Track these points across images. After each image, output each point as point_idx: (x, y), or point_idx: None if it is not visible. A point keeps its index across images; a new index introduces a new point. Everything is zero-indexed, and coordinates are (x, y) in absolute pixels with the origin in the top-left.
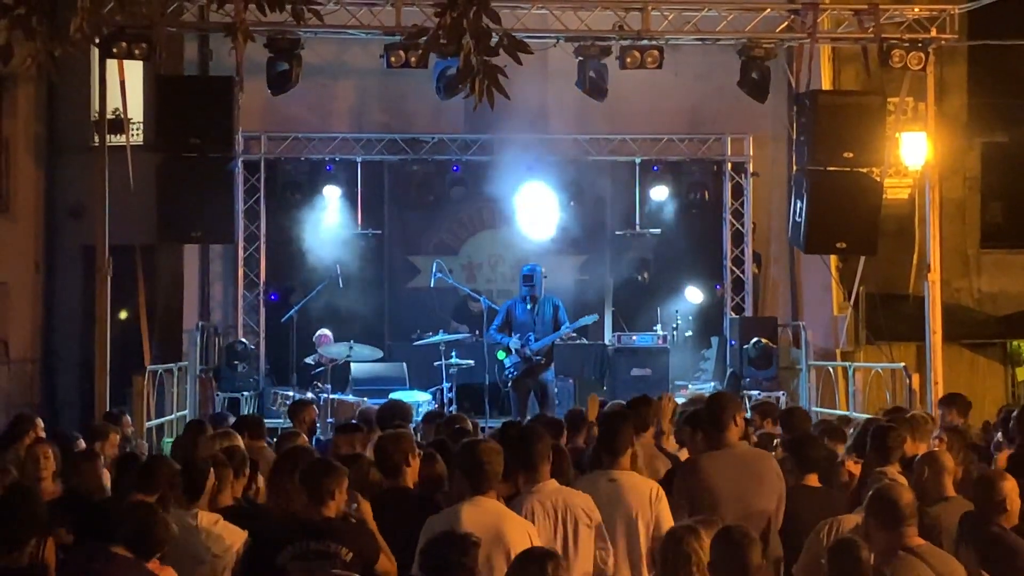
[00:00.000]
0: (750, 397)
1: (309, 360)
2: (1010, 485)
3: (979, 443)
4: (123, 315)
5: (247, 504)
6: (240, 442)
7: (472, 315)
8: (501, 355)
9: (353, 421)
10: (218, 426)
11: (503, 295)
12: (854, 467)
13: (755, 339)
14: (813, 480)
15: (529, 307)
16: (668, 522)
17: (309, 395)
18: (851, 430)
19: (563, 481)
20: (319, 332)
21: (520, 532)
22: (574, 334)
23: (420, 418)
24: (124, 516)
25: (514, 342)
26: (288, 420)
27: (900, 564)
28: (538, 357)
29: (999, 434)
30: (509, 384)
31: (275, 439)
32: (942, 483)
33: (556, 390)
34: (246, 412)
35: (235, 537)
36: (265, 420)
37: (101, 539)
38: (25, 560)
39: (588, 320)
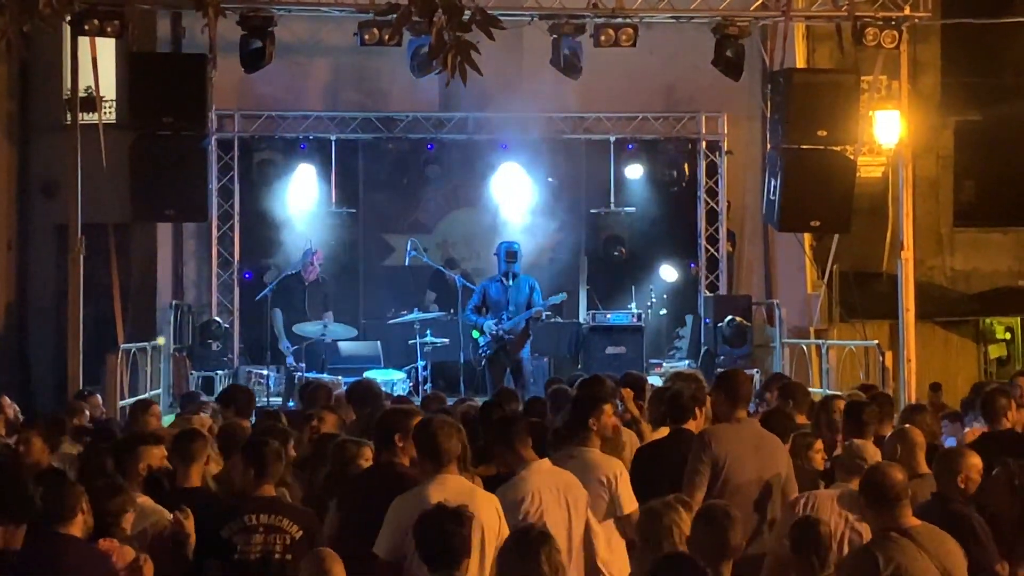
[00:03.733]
0: None
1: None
2: (970, 461)
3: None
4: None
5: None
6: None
7: (447, 287)
8: (476, 334)
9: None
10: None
11: (478, 273)
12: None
13: (729, 317)
14: None
15: (509, 284)
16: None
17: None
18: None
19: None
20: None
21: (489, 507)
22: (549, 311)
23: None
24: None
25: (489, 325)
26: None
27: (891, 547)
28: (509, 336)
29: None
30: (484, 363)
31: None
32: (915, 459)
33: (531, 368)
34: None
35: (154, 517)
36: None
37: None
38: (20, 542)
39: (558, 299)
